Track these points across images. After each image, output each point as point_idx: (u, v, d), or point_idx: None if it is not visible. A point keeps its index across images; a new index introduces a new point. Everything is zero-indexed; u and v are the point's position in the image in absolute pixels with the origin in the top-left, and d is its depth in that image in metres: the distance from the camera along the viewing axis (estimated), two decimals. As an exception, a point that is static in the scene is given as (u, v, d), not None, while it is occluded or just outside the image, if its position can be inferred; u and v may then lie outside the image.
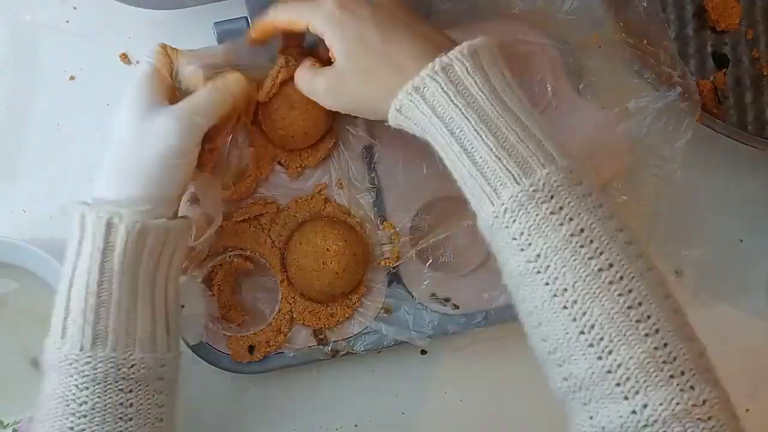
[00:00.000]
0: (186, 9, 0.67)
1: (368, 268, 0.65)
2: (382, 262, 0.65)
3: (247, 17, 0.64)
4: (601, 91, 0.66)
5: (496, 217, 0.48)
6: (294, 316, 0.64)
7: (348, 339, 0.65)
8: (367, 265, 0.65)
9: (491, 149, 0.48)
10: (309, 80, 0.57)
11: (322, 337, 0.65)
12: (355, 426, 0.68)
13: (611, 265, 0.46)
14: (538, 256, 0.46)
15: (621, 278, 0.45)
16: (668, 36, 0.65)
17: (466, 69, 0.49)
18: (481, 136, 0.48)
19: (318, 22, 0.55)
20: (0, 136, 0.69)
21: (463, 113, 0.48)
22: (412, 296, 0.65)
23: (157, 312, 0.52)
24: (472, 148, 0.48)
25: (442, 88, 0.49)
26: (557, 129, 0.64)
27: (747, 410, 0.69)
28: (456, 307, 0.65)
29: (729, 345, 0.70)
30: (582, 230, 0.46)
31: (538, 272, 0.47)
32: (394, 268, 0.65)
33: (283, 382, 0.67)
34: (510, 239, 0.47)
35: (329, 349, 0.64)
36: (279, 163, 0.65)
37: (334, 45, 0.54)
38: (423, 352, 0.69)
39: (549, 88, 0.66)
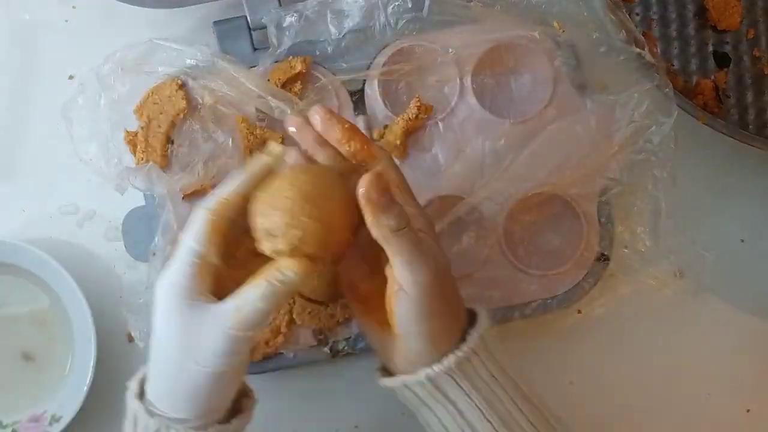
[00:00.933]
0: (185, 8, 0.67)
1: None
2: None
3: (246, 17, 0.64)
4: (598, 85, 0.67)
5: None
6: (294, 316, 0.64)
7: (348, 339, 0.65)
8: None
9: (529, 419, 0.51)
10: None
11: (322, 337, 0.65)
12: (355, 426, 0.68)
13: None
14: None
15: None
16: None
17: (493, 342, 0.52)
18: (517, 405, 0.51)
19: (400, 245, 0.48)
20: (0, 136, 0.69)
21: (500, 384, 0.51)
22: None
23: None
24: (511, 417, 0.51)
25: (481, 361, 0.50)
26: (559, 129, 0.65)
27: (747, 410, 0.69)
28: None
29: (729, 345, 0.70)
30: None
31: None
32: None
33: (283, 382, 0.67)
34: None
35: (329, 349, 0.64)
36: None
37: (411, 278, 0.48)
38: (423, 352, 0.68)
39: (549, 87, 0.66)
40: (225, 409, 0.50)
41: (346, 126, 0.51)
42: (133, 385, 0.51)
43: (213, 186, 0.64)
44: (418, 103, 0.64)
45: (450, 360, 0.49)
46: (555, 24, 0.66)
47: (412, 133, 0.65)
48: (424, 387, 0.50)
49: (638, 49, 0.64)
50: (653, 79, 0.64)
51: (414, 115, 0.64)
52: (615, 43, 0.65)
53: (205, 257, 0.47)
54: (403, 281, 0.48)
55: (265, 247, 0.47)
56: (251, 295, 0.46)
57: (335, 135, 0.51)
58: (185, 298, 0.47)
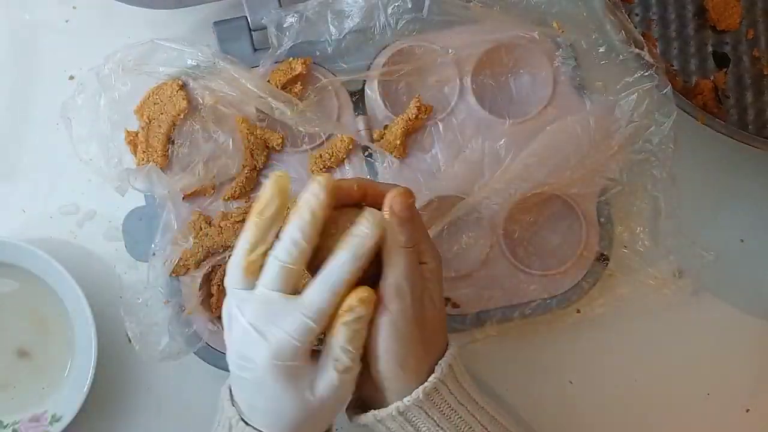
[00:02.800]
0: (186, 9, 0.67)
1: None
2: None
3: (246, 17, 0.65)
4: (598, 85, 0.67)
5: None
6: (294, 316, 0.64)
7: (348, 339, 0.65)
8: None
9: None
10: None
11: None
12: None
13: None
14: None
15: None
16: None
17: (461, 371, 0.53)
18: (487, 429, 0.52)
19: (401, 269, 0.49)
20: (0, 136, 0.69)
21: (469, 411, 0.52)
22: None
23: None
24: None
25: (449, 391, 0.51)
26: (557, 129, 0.65)
27: (747, 410, 0.69)
28: (456, 306, 0.65)
29: (729, 345, 0.70)
30: None
31: None
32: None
33: (283, 382, 0.67)
34: None
35: (329, 349, 0.64)
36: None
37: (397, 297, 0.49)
38: (423, 352, 0.68)
39: (549, 87, 0.66)
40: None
41: (356, 186, 0.51)
42: (225, 391, 0.53)
43: (213, 187, 0.64)
44: (418, 104, 0.64)
45: (419, 391, 0.50)
46: (554, 24, 0.66)
47: (411, 133, 0.65)
48: (395, 420, 0.51)
49: (637, 50, 0.64)
50: (652, 80, 0.64)
51: (414, 116, 0.64)
52: (614, 44, 0.66)
53: (319, 331, 0.48)
54: (387, 296, 0.49)
55: None
56: (338, 344, 0.48)
57: (352, 198, 0.51)
58: (301, 359, 0.48)
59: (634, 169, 0.65)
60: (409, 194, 0.50)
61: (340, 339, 0.48)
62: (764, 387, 0.70)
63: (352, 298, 0.47)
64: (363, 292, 0.48)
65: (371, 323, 0.49)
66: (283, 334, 0.47)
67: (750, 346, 0.70)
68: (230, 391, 0.53)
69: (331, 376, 0.48)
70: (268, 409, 0.50)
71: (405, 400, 0.50)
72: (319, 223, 0.47)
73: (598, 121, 0.65)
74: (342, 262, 0.47)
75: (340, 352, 0.48)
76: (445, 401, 0.51)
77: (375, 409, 0.52)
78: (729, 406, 0.69)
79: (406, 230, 0.50)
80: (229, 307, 0.49)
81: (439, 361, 0.52)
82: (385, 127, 0.65)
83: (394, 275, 0.49)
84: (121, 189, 0.62)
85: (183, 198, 0.64)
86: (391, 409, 0.50)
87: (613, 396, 0.69)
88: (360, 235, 0.47)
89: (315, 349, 0.49)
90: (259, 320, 0.47)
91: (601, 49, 0.66)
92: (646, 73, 0.64)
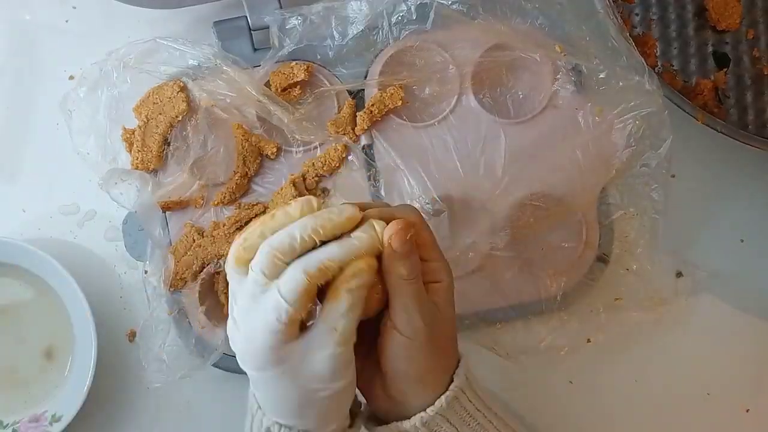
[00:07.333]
0: (185, 8, 0.67)
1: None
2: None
3: (246, 17, 0.65)
4: (598, 94, 0.66)
5: None
6: (294, 316, 0.64)
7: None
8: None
9: None
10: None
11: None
12: (355, 426, 0.68)
13: None
14: None
15: None
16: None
17: (474, 379, 0.53)
18: None
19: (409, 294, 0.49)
20: (0, 136, 0.69)
21: (486, 417, 0.52)
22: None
23: None
24: None
25: (468, 398, 0.52)
26: (558, 130, 0.65)
27: (747, 410, 0.69)
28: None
29: (729, 345, 0.70)
30: None
31: None
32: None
33: (283, 382, 0.67)
34: None
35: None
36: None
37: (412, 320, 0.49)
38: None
39: (550, 88, 0.66)
40: (343, 423, 0.52)
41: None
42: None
43: (202, 198, 0.64)
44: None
45: (441, 400, 0.51)
46: (557, 48, 0.66)
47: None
48: (418, 430, 0.51)
49: (638, 77, 0.63)
50: (650, 105, 0.64)
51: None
52: (615, 69, 0.64)
53: (295, 316, 0.46)
54: (397, 322, 0.49)
55: None
56: (339, 311, 0.47)
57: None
58: (284, 342, 0.47)
59: (627, 179, 0.65)
60: (407, 228, 0.49)
61: (341, 306, 0.46)
62: (764, 387, 0.70)
63: (361, 262, 0.47)
64: (370, 260, 0.47)
65: (386, 345, 0.50)
66: (260, 318, 0.46)
67: (750, 346, 0.70)
68: None
69: (327, 351, 0.47)
70: (272, 397, 0.49)
71: (429, 410, 0.50)
72: (325, 234, 0.47)
73: (596, 145, 0.65)
74: (328, 250, 0.46)
75: (340, 320, 0.46)
76: (465, 408, 0.52)
77: (394, 421, 0.52)
78: (729, 406, 0.69)
79: (407, 264, 0.49)
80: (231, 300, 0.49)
81: (457, 371, 0.52)
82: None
83: (401, 305, 0.49)
84: (105, 187, 0.63)
85: (171, 209, 0.64)
86: (415, 420, 0.51)
87: (613, 396, 0.69)
88: (357, 238, 0.47)
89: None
90: (246, 304, 0.47)
91: (602, 75, 0.65)
92: (645, 99, 0.64)
